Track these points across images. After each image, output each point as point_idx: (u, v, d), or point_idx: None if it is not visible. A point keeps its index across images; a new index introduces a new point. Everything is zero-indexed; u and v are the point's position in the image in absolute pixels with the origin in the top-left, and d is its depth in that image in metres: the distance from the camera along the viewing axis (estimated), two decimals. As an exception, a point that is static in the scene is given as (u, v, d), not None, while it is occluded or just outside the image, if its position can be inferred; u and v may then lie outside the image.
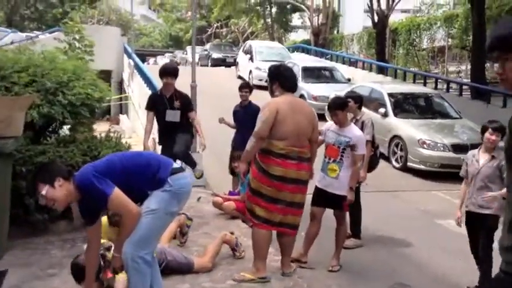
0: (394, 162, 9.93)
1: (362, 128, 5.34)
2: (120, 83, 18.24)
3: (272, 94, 4.44)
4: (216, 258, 4.57)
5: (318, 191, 4.89)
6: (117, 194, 3.01)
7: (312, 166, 4.53)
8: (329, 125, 5.04)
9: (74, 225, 5.23)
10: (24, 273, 4.24)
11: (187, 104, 6.15)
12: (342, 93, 12.13)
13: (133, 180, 3.10)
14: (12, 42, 12.04)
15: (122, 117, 16.25)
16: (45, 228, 5.14)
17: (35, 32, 21.69)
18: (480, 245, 4.39)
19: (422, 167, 9.37)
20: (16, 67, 5.19)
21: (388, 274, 4.97)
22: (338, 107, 4.84)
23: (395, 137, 10.03)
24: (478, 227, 4.41)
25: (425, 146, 9.46)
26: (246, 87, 6.95)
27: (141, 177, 3.14)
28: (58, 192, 3.00)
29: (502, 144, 4.07)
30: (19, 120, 4.47)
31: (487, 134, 4.39)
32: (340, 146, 4.80)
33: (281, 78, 4.38)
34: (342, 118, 4.84)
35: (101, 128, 9.61)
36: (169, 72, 6.09)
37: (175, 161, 5.44)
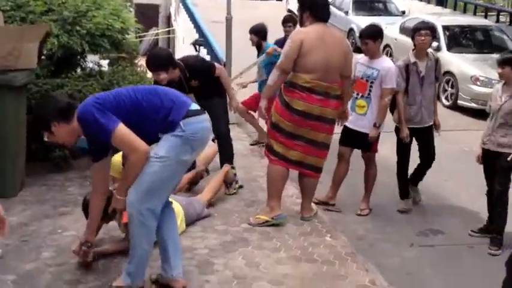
0: (443, 100, 9.27)
1: (436, 67, 4.74)
2: (168, 17, 17.88)
3: (302, 25, 4.05)
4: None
5: (346, 130, 4.59)
6: (122, 129, 2.75)
7: (345, 105, 4.20)
8: (359, 56, 4.63)
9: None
10: (36, 211, 4.16)
11: (202, 71, 4.51)
12: (395, 26, 11.53)
13: (143, 118, 2.83)
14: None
15: (165, 52, 15.99)
16: (67, 165, 5.05)
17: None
18: (496, 185, 4.12)
19: (473, 105, 8.72)
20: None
21: (421, 219, 4.69)
22: (369, 35, 4.42)
23: (446, 73, 9.25)
24: (496, 166, 4.12)
25: (478, 83, 8.76)
26: (289, 20, 6.11)
27: (152, 117, 2.84)
28: (56, 135, 2.89)
29: None
30: (31, 51, 4.26)
31: (507, 69, 4.02)
32: (368, 80, 4.44)
33: (314, 8, 3.95)
34: (372, 48, 4.43)
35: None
36: (149, 65, 4.19)
37: (214, 141, 4.62)
